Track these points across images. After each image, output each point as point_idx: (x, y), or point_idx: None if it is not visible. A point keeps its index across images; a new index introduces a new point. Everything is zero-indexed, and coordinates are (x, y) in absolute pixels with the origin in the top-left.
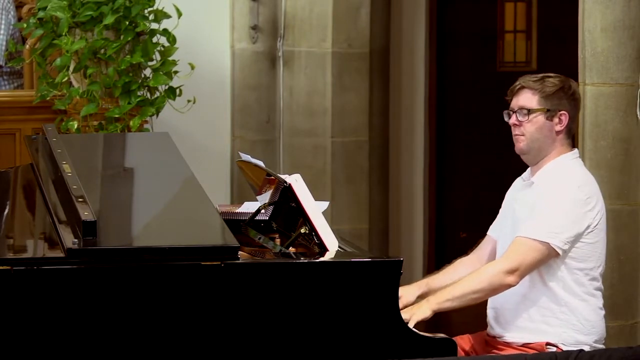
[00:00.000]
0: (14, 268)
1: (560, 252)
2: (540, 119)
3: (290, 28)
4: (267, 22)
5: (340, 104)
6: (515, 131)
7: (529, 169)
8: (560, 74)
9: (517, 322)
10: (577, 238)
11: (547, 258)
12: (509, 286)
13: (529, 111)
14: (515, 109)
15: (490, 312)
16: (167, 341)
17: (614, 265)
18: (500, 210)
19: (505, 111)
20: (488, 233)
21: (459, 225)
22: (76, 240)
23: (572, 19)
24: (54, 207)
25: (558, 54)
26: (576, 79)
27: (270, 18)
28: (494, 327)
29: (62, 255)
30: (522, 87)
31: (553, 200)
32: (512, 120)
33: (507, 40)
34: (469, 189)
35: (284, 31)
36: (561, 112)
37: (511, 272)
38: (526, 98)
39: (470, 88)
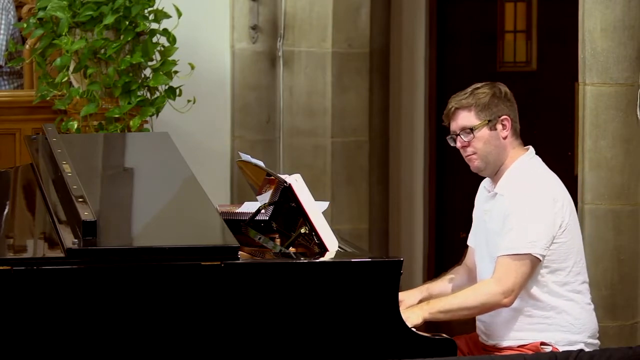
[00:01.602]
0: (14, 268)
1: (541, 258)
2: (484, 132)
3: (290, 28)
4: (267, 22)
5: (340, 104)
6: (465, 153)
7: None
8: (560, 73)
9: (508, 333)
10: (553, 240)
11: (534, 268)
12: (504, 307)
13: (472, 129)
14: (458, 132)
15: (479, 324)
16: (168, 341)
17: (614, 265)
18: (473, 219)
19: (448, 137)
20: (468, 244)
21: (459, 225)
22: (76, 240)
23: (572, 19)
24: (54, 207)
25: (558, 54)
26: (576, 79)
27: (270, 18)
28: (486, 340)
29: (62, 255)
30: (457, 109)
31: (522, 210)
32: (459, 144)
33: (507, 40)
34: (469, 189)
35: (284, 31)
36: (501, 117)
37: (507, 294)
38: (464, 118)
39: None
